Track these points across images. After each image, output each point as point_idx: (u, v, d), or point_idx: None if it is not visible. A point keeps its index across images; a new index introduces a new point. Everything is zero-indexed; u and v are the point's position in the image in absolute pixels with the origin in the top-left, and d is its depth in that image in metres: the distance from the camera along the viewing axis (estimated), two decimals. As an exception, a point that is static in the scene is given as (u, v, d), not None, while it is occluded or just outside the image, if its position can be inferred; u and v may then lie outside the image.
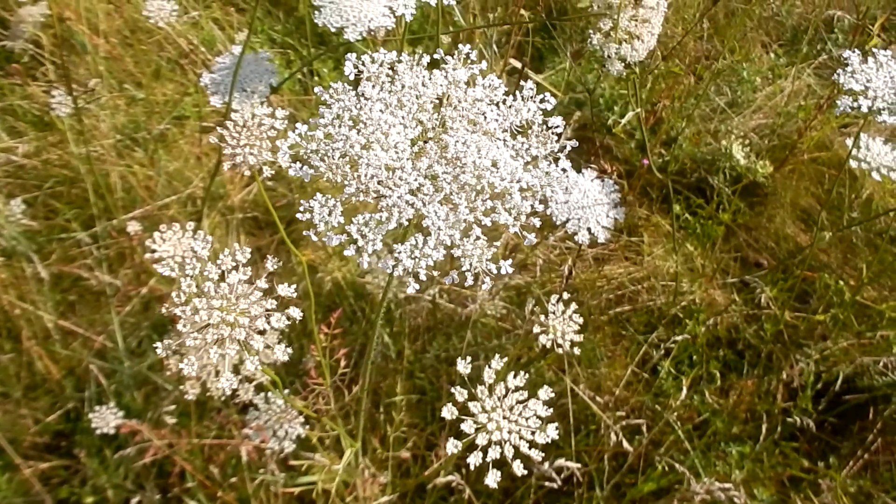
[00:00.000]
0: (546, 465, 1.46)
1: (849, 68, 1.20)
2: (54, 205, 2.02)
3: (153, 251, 0.95)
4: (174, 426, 1.66)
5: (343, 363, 1.26)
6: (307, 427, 1.27)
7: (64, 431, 1.82)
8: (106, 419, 1.53)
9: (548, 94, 0.65)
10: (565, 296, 1.07)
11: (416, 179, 0.61)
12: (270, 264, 0.62)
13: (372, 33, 1.21)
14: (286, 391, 1.46)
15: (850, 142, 1.33)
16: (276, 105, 2.23)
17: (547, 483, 1.48)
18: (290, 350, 0.73)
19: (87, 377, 1.81)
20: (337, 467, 1.09)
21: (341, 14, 1.20)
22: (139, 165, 2.09)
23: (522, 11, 1.56)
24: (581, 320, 1.06)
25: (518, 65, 1.84)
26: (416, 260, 0.60)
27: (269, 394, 1.31)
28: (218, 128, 0.79)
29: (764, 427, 1.73)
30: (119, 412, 1.57)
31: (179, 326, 0.62)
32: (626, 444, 1.63)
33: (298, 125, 0.62)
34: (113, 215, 1.97)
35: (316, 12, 1.21)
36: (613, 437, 1.65)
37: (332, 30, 1.19)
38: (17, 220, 1.86)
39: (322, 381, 1.19)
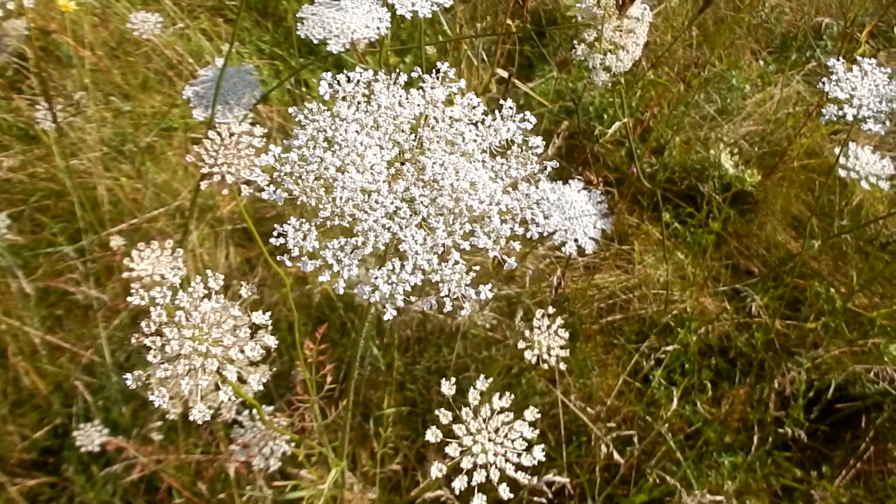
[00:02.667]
0: (536, 479, 1.44)
1: (834, 77, 1.19)
2: (40, 219, 2.00)
3: (131, 269, 0.93)
4: (162, 442, 1.64)
5: (330, 378, 1.25)
6: (293, 444, 1.26)
7: (51, 448, 1.80)
8: (91, 437, 1.51)
9: (528, 112, 0.64)
10: (550, 310, 1.06)
11: (392, 203, 0.59)
12: (245, 291, 0.61)
13: (354, 44, 1.20)
14: (273, 406, 1.45)
15: (839, 149, 1.32)
16: (263, 115, 2.21)
17: (537, 498, 1.47)
18: (271, 371, 0.72)
19: (74, 392, 1.79)
20: (322, 487, 1.07)
21: (324, 26, 1.19)
22: (126, 178, 2.07)
23: (509, 21, 1.55)
24: (567, 335, 1.05)
25: (507, 75, 1.83)
26: (394, 286, 0.58)
27: (255, 410, 1.29)
28: (195, 146, 0.78)
29: (756, 437, 1.73)
30: (104, 429, 1.55)
31: (150, 357, 0.60)
32: (617, 455, 1.62)
33: (272, 146, 0.61)
34: (100, 229, 1.95)
35: (299, 24, 1.21)
36: (605, 448, 1.64)
37: (315, 41, 1.18)
38: (2, 236, 1.85)
39: (308, 398, 1.17)
